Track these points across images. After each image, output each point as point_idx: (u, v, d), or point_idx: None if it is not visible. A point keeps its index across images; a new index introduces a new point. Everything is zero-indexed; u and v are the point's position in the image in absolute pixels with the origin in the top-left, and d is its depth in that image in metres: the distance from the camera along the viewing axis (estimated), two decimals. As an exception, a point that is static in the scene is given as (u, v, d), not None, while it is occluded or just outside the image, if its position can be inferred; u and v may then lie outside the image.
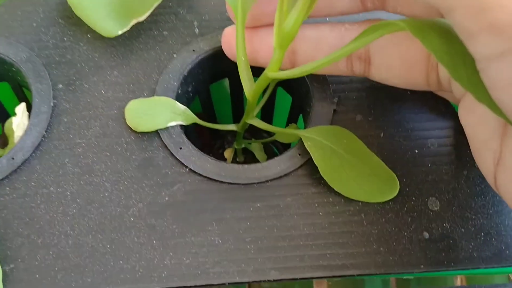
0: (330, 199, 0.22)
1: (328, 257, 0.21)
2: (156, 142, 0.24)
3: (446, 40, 0.15)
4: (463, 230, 0.22)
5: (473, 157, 0.23)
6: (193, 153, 0.23)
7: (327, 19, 0.25)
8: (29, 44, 0.26)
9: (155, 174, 0.23)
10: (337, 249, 0.21)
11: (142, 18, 0.25)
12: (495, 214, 0.22)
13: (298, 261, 0.21)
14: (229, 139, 0.35)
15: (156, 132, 0.24)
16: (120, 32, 0.25)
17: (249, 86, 0.22)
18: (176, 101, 0.24)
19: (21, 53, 0.26)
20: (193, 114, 0.24)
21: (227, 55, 0.24)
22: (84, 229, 0.22)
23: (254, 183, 0.23)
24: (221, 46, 0.26)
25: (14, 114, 0.24)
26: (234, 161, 0.32)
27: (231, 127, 0.25)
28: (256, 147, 0.31)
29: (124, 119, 0.24)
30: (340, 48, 0.18)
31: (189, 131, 0.29)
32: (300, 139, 0.23)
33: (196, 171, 0.23)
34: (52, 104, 0.24)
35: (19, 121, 0.24)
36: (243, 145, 0.30)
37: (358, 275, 0.21)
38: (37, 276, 0.21)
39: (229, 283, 0.21)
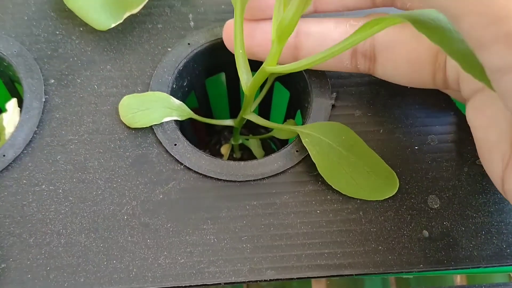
0: (328, 197, 0.22)
1: (325, 256, 0.21)
2: (150, 139, 0.23)
3: (453, 33, 0.14)
4: (463, 228, 0.21)
5: (474, 154, 0.23)
6: (188, 149, 0.23)
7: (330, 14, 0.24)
8: (20, 37, 0.25)
9: (149, 171, 0.22)
10: (335, 248, 0.21)
11: (135, 10, 0.24)
12: (496, 212, 0.22)
13: (295, 261, 0.21)
14: (226, 135, 0.35)
15: (150, 128, 0.23)
16: (113, 25, 0.24)
17: (247, 80, 0.21)
18: (171, 96, 0.23)
19: (12, 47, 0.25)
20: (189, 109, 0.24)
21: (227, 47, 0.23)
22: (76, 228, 0.21)
23: (251, 180, 0.22)
24: (217, 39, 0.25)
25: (4, 109, 0.24)
26: (231, 157, 0.31)
27: (228, 122, 0.25)
28: (253, 143, 0.30)
29: (118, 115, 0.23)
30: (341, 41, 0.17)
31: (184, 127, 0.28)
32: (298, 135, 0.23)
33: (191, 168, 0.22)
34: (43, 99, 0.24)
35: (10, 117, 0.23)
36: (240, 141, 0.29)
37: (356, 274, 0.21)
38: (29, 276, 0.21)
39: (224, 283, 0.21)
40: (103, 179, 0.22)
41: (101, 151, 0.23)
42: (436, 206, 0.22)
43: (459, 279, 0.31)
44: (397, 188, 0.22)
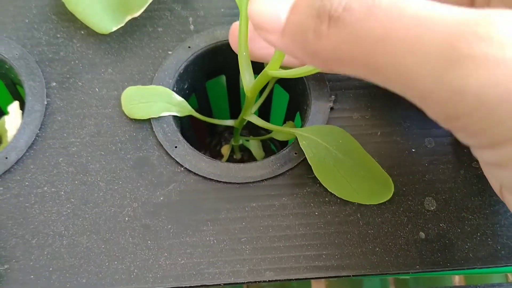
0: (326, 199, 0.22)
1: (324, 258, 0.21)
2: (151, 141, 0.23)
3: None
4: (459, 230, 0.22)
5: (470, 157, 0.23)
6: (189, 152, 0.23)
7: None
8: (22, 40, 0.26)
9: (150, 173, 0.23)
10: (333, 250, 0.21)
11: (137, 14, 0.25)
12: (491, 214, 0.22)
13: (294, 262, 0.21)
14: (226, 136, 0.35)
15: (151, 131, 0.24)
16: (114, 29, 0.25)
17: (249, 82, 0.22)
18: (174, 92, 0.24)
19: (13, 50, 0.25)
20: (189, 106, 0.24)
21: (233, 49, 0.23)
22: (78, 229, 0.22)
23: (250, 182, 0.23)
24: (216, 42, 0.25)
25: (7, 111, 0.24)
26: (231, 157, 0.32)
27: (229, 122, 0.25)
28: (253, 144, 0.31)
29: (119, 117, 0.24)
30: None
31: (185, 127, 0.29)
32: (297, 137, 0.23)
33: (191, 170, 0.23)
34: (45, 102, 0.24)
35: (12, 119, 0.24)
36: (240, 142, 0.29)
37: (353, 275, 0.21)
38: (32, 276, 0.21)
39: (224, 284, 0.21)
40: (105, 181, 0.23)
41: (103, 153, 0.23)
42: (432, 208, 0.22)
43: (457, 278, 0.31)
44: (391, 193, 0.22)
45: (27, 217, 0.22)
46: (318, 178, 0.22)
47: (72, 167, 0.23)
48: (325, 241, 0.21)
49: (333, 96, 0.24)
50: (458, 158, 0.23)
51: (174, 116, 0.24)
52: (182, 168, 0.23)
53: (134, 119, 0.24)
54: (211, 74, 0.28)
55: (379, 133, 0.23)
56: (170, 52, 0.25)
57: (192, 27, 0.26)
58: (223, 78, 0.30)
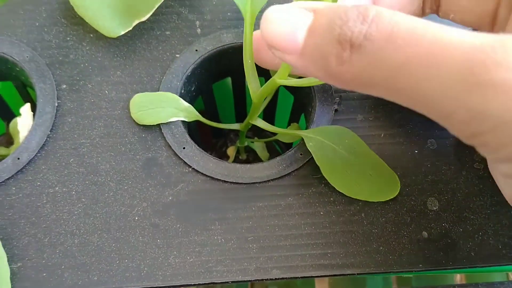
0: (331, 199, 0.23)
1: (329, 256, 0.22)
2: (159, 142, 0.24)
3: None
4: (461, 229, 0.22)
5: (472, 158, 0.23)
6: (196, 152, 0.24)
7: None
8: (32, 43, 0.26)
9: (159, 173, 0.23)
10: (338, 248, 0.22)
11: (144, 18, 0.25)
12: (492, 214, 0.22)
13: (300, 260, 0.22)
14: (231, 137, 0.36)
15: (160, 132, 0.24)
16: (122, 32, 0.25)
17: (255, 89, 0.22)
18: (180, 98, 0.24)
19: (24, 52, 0.26)
20: (196, 111, 0.24)
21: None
22: (89, 228, 0.22)
23: (256, 182, 0.23)
24: (223, 45, 0.26)
25: (18, 112, 0.25)
26: (236, 158, 0.32)
27: (235, 126, 0.26)
28: (258, 146, 0.31)
29: (128, 119, 0.24)
30: None
31: (192, 129, 0.29)
32: (302, 139, 0.24)
33: (199, 171, 0.23)
34: (56, 104, 0.25)
35: (24, 121, 0.24)
36: (246, 144, 0.30)
37: (358, 274, 0.22)
38: (44, 274, 0.21)
39: (232, 282, 0.21)
40: (115, 181, 0.23)
41: (113, 154, 0.24)
42: (435, 208, 0.23)
43: (458, 277, 0.32)
44: (398, 190, 0.23)
45: (39, 216, 0.22)
46: (326, 178, 0.22)
47: (82, 167, 0.23)
48: (330, 240, 0.22)
49: (337, 99, 0.25)
50: (460, 160, 0.24)
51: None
52: (190, 169, 0.23)
53: (143, 123, 0.24)
54: (218, 76, 0.29)
55: (382, 135, 0.24)
56: (177, 55, 0.26)
57: (199, 30, 0.26)
58: (229, 80, 0.30)
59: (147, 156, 0.24)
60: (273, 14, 0.16)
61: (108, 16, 0.25)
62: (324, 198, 0.23)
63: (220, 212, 0.23)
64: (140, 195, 0.23)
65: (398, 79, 0.14)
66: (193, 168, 0.23)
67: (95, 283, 0.21)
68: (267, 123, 0.25)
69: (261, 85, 0.22)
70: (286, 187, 0.23)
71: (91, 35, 0.26)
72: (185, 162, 0.23)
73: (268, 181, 0.23)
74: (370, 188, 0.22)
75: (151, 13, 0.25)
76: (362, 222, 0.22)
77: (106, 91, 0.25)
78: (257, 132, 0.35)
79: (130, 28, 0.25)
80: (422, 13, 0.22)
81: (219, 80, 0.29)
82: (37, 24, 0.27)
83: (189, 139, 0.24)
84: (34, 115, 0.25)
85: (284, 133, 0.25)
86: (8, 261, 0.21)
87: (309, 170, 0.23)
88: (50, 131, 0.24)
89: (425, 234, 0.22)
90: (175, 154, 0.24)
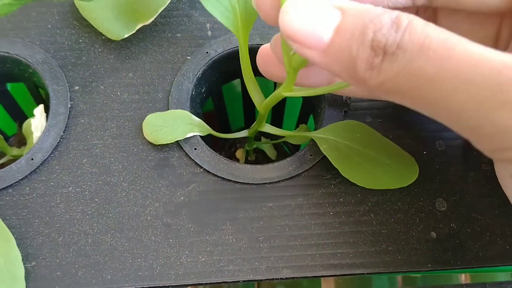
0: (341, 199, 0.23)
1: (338, 256, 0.22)
2: (171, 143, 0.24)
3: None
4: (469, 230, 0.22)
5: (480, 159, 0.24)
6: (207, 153, 0.24)
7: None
8: (45, 45, 0.27)
9: (171, 174, 0.24)
10: (348, 249, 0.22)
11: (148, 21, 0.26)
12: (500, 214, 0.23)
13: (310, 260, 0.22)
14: (240, 138, 0.36)
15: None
16: (126, 35, 0.25)
17: (260, 101, 0.22)
18: (191, 114, 0.24)
19: (37, 54, 0.26)
20: (208, 126, 0.24)
21: (261, 72, 0.23)
22: (103, 228, 0.23)
23: (266, 183, 0.23)
24: (233, 48, 0.26)
25: (30, 114, 0.25)
26: (245, 159, 0.32)
27: (243, 134, 0.26)
28: (266, 146, 0.32)
29: (140, 120, 0.25)
30: None
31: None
32: (312, 139, 0.24)
33: (210, 171, 0.24)
34: (69, 105, 0.25)
35: (38, 122, 0.24)
36: (254, 146, 0.30)
37: (367, 273, 0.22)
38: (59, 273, 0.22)
39: (243, 281, 0.22)
40: (127, 182, 0.23)
41: (125, 155, 0.24)
42: (443, 209, 0.23)
43: (463, 277, 0.32)
44: (417, 174, 0.23)
45: (53, 216, 0.23)
46: (346, 177, 0.23)
47: (95, 168, 0.24)
48: (340, 240, 0.22)
49: (346, 100, 0.25)
50: (468, 161, 0.24)
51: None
52: (201, 169, 0.24)
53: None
54: (227, 78, 0.29)
55: (391, 136, 0.24)
56: (188, 57, 0.26)
57: (209, 33, 0.27)
58: (238, 81, 0.31)
59: (159, 156, 0.24)
60: (295, 7, 0.16)
61: (112, 19, 0.26)
62: (334, 199, 0.23)
63: (231, 212, 0.23)
64: (153, 195, 0.23)
65: (426, 91, 0.15)
66: (204, 169, 0.24)
67: (108, 282, 0.22)
68: (275, 128, 0.25)
69: (263, 85, 0.22)
70: (296, 187, 0.23)
71: (103, 37, 0.27)
72: (196, 163, 0.24)
73: (279, 181, 0.23)
74: (390, 177, 0.23)
75: (154, 17, 0.25)
76: (372, 222, 0.23)
77: (118, 93, 0.25)
78: (265, 133, 0.36)
79: (133, 32, 0.25)
80: None
81: (228, 81, 0.30)
82: (50, 26, 0.27)
83: (200, 140, 0.24)
84: (47, 116, 0.25)
85: (294, 136, 0.25)
86: (22, 260, 0.22)
87: (319, 171, 0.24)
88: (63, 132, 0.24)
89: (433, 234, 0.22)
90: (187, 155, 0.24)
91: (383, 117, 0.25)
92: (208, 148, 0.24)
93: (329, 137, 0.23)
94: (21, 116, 0.33)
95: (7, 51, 0.26)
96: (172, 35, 0.27)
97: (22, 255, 0.22)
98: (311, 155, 0.24)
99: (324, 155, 0.23)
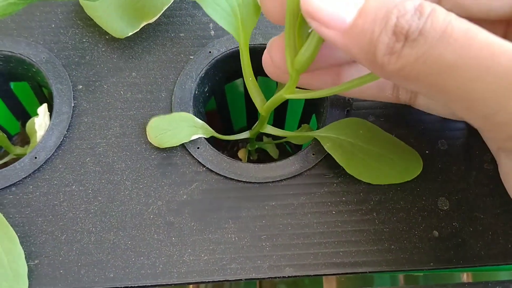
0: (343, 198, 0.23)
1: (341, 255, 0.22)
2: (174, 142, 0.24)
3: None
4: (471, 229, 0.22)
5: (482, 159, 0.24)
6: (210, 152, 0.24)
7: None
8: (49, 45, 0.27)
9: (174, 173, 0.24)
10: (350, 247, 0.22)
11: (152, 20, 0.26)
12: (502, 214, 0.23)
13: (312, 259, 0.22)
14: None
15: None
16: (130, 33, 0.26)
17: (261, 103, 0.22)
18: (194, 116, 0.24)
19: (40, 53, 0.26)
20: (211, 128, 0.25)
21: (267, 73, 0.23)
22: (106, 226, 0.23)
23: (269, 182, 0.24)
24: (236, 47, 0.26)
25: (33, 113, 0.25)
26: (248, 159, 0.33)
27: (245, 135, 0.26)
28: (268, 145, 0.32)
29: (143, 119, 0.25)
30: (367, 74, 0.18)
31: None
32: (314, 139, 0.24)
33: (213, 170, 0.24)
34: (72, 104, 0.25)
35: (41, 121, 0.25)
36: (256, 146, 0.30)
37: (370, 272, 0.22)
38: (61, 271, 0.22)
39: (245, 279, 0.22)
40: (130, 180, 0.24)
41: (128, 153, 0.24)
42: (445, 208, 0.23)
43: (465, 276, 0.32)
44: (421, 167, 0.23)
45: (56, 215, 0.23)
46: (352, 174, 0.23)
47: (99, 166, 0.24)
48: (342, 239, 0.22)
49: (349, 100, 0.25)
50: (471, 160, 0.24)
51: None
52: (204, 168, 0.24)
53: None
54: (230, 77, 0.29)
55: (394, 135, 0.24)
56: (191, 57, 0.26)
57: (212, 32, 0.27)
58: (241, 81, 0.31)
59: (162, 155, 0.24)
60: None
61: (116, 17, 0.26)
62: (336, 198, 0.23)
63: (234, 210, 0.23)
64: (155, 194, 0.23)
65: (444, 78, 0.15)
66: (207, 168, 0.24)
67: (111, 280, 0.22)
68: (277, 129, 0.25)
69: (265, 85, 0.22)
70: (298, 186, 0.23)
71: (107, 37, 0.27)
72: (199, 162, 0.24)
73: (281, 180, 0.24)
74: (395, 172, 0.23)
75: (159, 15, 0.25)
76: (374, 221, 0.23)
77: (122, 92, 0.26)
78: (267, 133, 0.36)
79: (137, 30, 0.26)
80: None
81: (231, 81, 0.30)
82: (54, 25, 0.27)
83: (203, 139, 0.24)
84: (50, 115, 0.25)
85: (296, 136, 0.25)
86: (25, 258, 0.22)
87: (322, 169, 0.24)
88: (67, 131, 0.25)
89: (435, 233, 0.22)
90: (190, 154, 0.24)
91: (385, 117, 0.25)
92: (211, 147, 0.24)
93: (332, 135, 0.23)
94: (24, 115, 0.33)
95: (11, 50, 0.26)
96: (175, 34, 0.27)
97: (25, 253, 0.22)
98: (313, 154, 0.24)
99: (327, 154, 0.23)
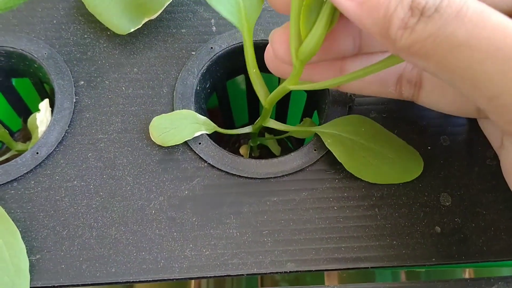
0: (345, 194, 0.23)
1: (343, 250, 0.22)
2: (175, 138, 0.24)
3: None
4: (473, 225, 0.22)
5: (484, 154, 0.24)
6: (212, 148, 0.24)
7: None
8: (50, 40, 0.27)
9: (175, 168, 0.24)
10: (352, 243, 0.22)
11: (153, 16, 0.26)
12: (505, 209, 0.23)
13: (314, 254, 0.22)
14: (244, 134, 0.36)
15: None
16: (132, 30, 0.26)
17: (265, 96, 0.22)
18: (196, 113, 0.24)
19: (42, 49, 0.26)
20: (213, 123, 0.25)
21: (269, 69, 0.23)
22: (107, 221, 0.23)
23: (271, 177, 0.23)
24: (237, 43, 0.26)
25: (34, 109, 0.25)
26: (250, 155, 0.32)
27: (247, 129, 0.26)
28: (270, 142, 0.32)
29: (145, 115, 0.25)
30: (370, 65, 0.18)
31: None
32: (316, 134, 0.24)
33: (215, 166, 0.24)
34: (74, 100, 0.25)
35: (43, 116, 0.25)
36: (258, 142, 0.30)
37: (371, 267, 0.22)
38: (63, 266, 0.22)
39: (247, 274, 0.22)
40: (132, 176, 0.24)
41: (130, 149, 0.24)
42: (448, 204, 0.23)
43: (467, 273, 0.32)
44: (422, 168, 0.23)
45: (58, 210, 0.23)
46: (351, 171, 0.23)
47: (100, 162, 0.24)
48: (344, 234, 0.22)
49: (351, 95, 0.25)
50: (473, 156, 0.24)
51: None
52: (205, 164, 0.24)
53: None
54: (232, 73, 0.29)
55: (396, 131, 0.24)
56: (193, 53, 0.26)
57: (214, 28, 0.27)
58: (242, 78, 0.31)
59: (164, 151, 0.24)
60: None
61: (118, 13, 0.26)
62: (338, 194, 0.23)
63: (235, 206, 0.23)
64: (157, 189, 0.23)
65: (454, 56, 0.15)
66: (208, 163, 0.24)
67: (113, 275, 0.22)
68: (279, 123, 0.25)
69: (267, 81, 0.22)
70: (300, 182, 0.23)
71: (108, 33, 0.27)
72: (200, 157, 0.24)
73: (283, 176, 0.23)
74: (395, 171, 0.23)
75: (160, 11, 0.25)
76: (376, 217, 0.23)
77: (123, 88, 0.26)
78: (269, 129, 0.36)
79: (139, 26, 0.26)
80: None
81: (233, 77, 0.30)
82: (55, 21, 0.27)
83: (204, 135, 0.24)
84: (52, 110, 0.25)
85: (299, 131, 0.25)
86: (27, 253, 0.22)
87: (323, 165, 0.24)
88: (68, 126, 0.25)
89: (438, 229, 0.22)
90: (191, 149, 0.24)
91: (387, 112, 0.25)
92: (213, 142, 0.24)
93: (333, 131, 0.23)
94: (26, 111, 0.33)
95: (13, 46, 0.26)
96: (177, 30, 0.27)
97: (26, 248, 0.22)
98: (315, 150, 0.24)
99: (328, 150, 0.23)
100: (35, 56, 0.26)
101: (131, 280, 0.22)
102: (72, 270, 0.22)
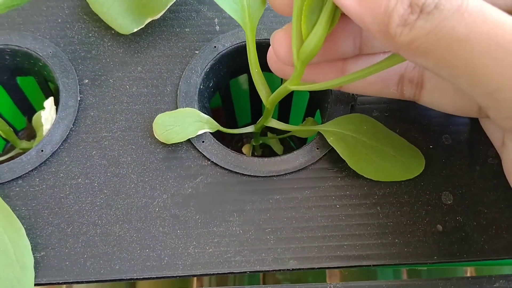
0: (348, 192, 0.23)
1: (345, 248, 0.22)
2: (179, 136, 0.25)
3: None
4: (475, 223, 0.23)
5: (486, 153, 0.24)
6: (215, 146, 0.24)
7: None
8: (55, 39, 0.27)
9: (179, 166, 0.24)
10: (354, 241, 0.22)
11: (157, 16, 0.26)
12: (506, 208, 0.23)
13: (316, 252, 0.22)
14: (246, 133, 0.36)
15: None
16: (135, 30, 0.26)
17: (266, 96, 0.23)
18: (200, 111, 0.25)
19: (47, 48, 0.26)
20: (216, 122, 0.25)
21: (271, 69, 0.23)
22: (111, 219, 0.23)
23: (274, 176, 0.24)
24: (241, 42, 0.26)
25: (39, 107, 0.25)
26: (252, 155, 0.33)
27: (249, 129, 0.26)
28: (273, 141, 0.32)
29: (149, 113, 0.25)
30: (372, 65, 0.18)
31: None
32: (318, 133, 0.24)
33: (218, 164, 0.24)
34: (78, 98, 0.25)
35: (48, 114, 0.25)
36: (260, 141, 0.30)
37: (373, 265, 0.22)
38: (67, 263, 0.22)
39: (250, 272, 0.22)
40: (136, 173, 0.24)
41: (134, 147, 0.24)
42: (449, 202, 0.23)
43: (468, 271, 0.32)
44: (423, 166, 0.23)
45: (62, 207, 0.23)
46: (353, 169, 0.23)
47: (104, 160, 0.24)
48: (346, 232, 0.22)
49: (354, 95, 0.25)
50: (474, 155, 0.24)
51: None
52: (209, 162, 0.24)
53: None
54: (235, 73, 0.29)
55: (398, 130, 0.24)
56: (196, 52, 0.26)
57: (217, 27, 0.27)
58: (245, 78, 0.31)
59: (167, 149, 0.24)
60: None
61: (121, 13, 0.26)
62: (340, 192, 0.23)
63: (238, 204, 0.23)
64: (161, 187, 0.23)
65: (453, 52, 0.15)
66: (212, 161, 0.24)
67: (116, 272, 0.22)
68: (281, 123, 0.25)
69: (270, 81, 0.23)
70: (303, 180, 0.24)
71: (112, 32, 0.27)
72: (204, 155, 0.24)
73: (285, 174, 0.24)
74: (397, 169, 0.23)
75: (163, 11, 0.26)
76: (378, 215, 0.23)
77: (127, 86, 0.26)
78: (271, 128, 0.36)
79: (142, 26, 0.26)
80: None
81: (236, 76, 0.30)
82: (60, 20, 0.27)
83: (208, 133, 0.25)
84: (56, 109, 0.25)
85: (301, 130, 0.25)
86: (32, 250, 0.22)
87: (326, 164, 0.24)
88: (73, 124, 0.25)
89: (439, 227, 0.22)
90: (195, 148, 0.24)
91: (389, 111, 0.25)
92: (216, 141, 0.24)
93: (335, 129, 0.23)
94: (30, 110, 0.33)
95: (18, 45, 0.26)
96: (181, 29, 0.27)
97: (31, 245, 0.22)
98: (317, 149, 0.24)
99: (331, 148, 0.24)
100: (40, 54, 0.26)
101: (135, 277, 0.22)
102: (76, 267, 0.22)
